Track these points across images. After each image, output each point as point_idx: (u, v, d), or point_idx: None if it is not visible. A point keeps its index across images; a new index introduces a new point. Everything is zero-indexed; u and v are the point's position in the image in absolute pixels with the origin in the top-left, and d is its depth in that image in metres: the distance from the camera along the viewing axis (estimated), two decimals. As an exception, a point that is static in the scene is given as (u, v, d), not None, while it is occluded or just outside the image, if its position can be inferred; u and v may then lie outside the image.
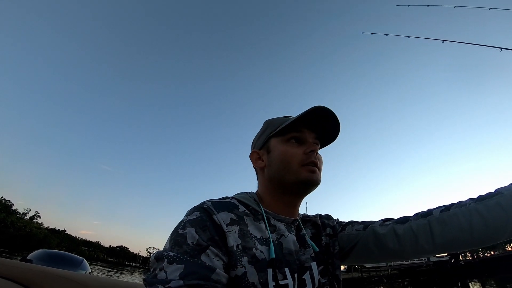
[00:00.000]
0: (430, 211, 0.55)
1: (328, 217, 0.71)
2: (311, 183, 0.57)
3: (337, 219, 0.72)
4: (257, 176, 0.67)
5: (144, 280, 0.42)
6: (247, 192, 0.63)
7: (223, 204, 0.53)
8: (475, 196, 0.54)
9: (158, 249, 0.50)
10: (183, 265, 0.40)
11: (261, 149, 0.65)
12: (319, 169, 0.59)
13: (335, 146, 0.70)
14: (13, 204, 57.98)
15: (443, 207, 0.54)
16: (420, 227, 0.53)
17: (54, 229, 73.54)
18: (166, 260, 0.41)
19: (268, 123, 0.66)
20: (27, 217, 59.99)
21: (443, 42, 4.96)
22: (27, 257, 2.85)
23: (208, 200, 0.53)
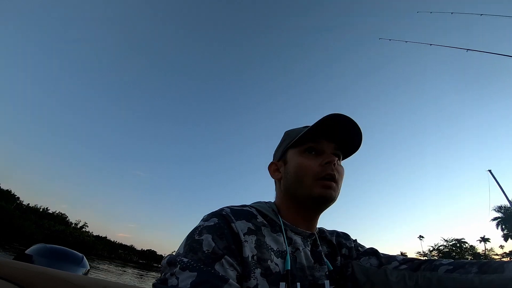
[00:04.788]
0: (437, 267, 0.52)
1: (346, 236, 0.69)
2: (325, 200, 0.56)
3: (355, 240, 0.70)
4: (275, 187, 0.68)
5: (153, 285, 0.40)
6: (266, 202, 0.62)
7: (241, 212, 0.52)
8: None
9: None
10: (196, 273, 0.40)
11: (279, 161, 0.65)
12: (337, 182, 0.58)
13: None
14: (67, 216, 74.34)
15: (451, 267, 0.50)
16: (424, 280, 0.52)
17: (98, 235, 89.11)
18: (179, 265, 0.41)
19: (287, 134, 0.66)
20: (78, 227, 75.88)
21: (467, 51, 4.86)
22: (26, 252, 2.46)
23: (227, 207, 0.53)
